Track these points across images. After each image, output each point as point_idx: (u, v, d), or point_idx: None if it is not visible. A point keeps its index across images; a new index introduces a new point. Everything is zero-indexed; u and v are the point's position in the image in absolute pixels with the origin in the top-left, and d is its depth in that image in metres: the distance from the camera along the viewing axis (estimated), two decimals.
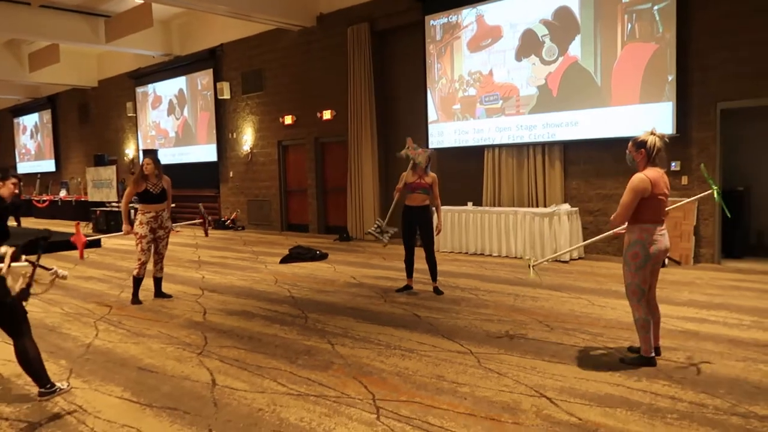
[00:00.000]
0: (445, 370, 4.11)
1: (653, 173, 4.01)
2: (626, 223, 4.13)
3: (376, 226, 7.03)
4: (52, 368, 4.43)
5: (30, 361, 3.73)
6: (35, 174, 23.22)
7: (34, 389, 3.92)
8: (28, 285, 3.48)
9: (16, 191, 4.02)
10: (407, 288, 6.76)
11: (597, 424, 3.20)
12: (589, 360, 4.24)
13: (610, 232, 4.85)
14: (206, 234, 7.81)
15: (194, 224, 8.34)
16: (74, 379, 4.19)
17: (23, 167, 24.51)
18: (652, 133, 4.06)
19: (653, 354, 4.06)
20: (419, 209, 6.51)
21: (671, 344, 4.48)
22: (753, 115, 8.40)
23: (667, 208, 4.16)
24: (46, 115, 22.76)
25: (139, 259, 6.51)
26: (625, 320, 5.13)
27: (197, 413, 3.53)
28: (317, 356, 4.53)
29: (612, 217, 4.15)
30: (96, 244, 12.31)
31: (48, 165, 22.86)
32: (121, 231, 6.76)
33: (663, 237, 4.04)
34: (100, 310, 6.37)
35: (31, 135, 24.06)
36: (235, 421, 3.39)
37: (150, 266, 6.61)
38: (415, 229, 6.56)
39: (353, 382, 3.96)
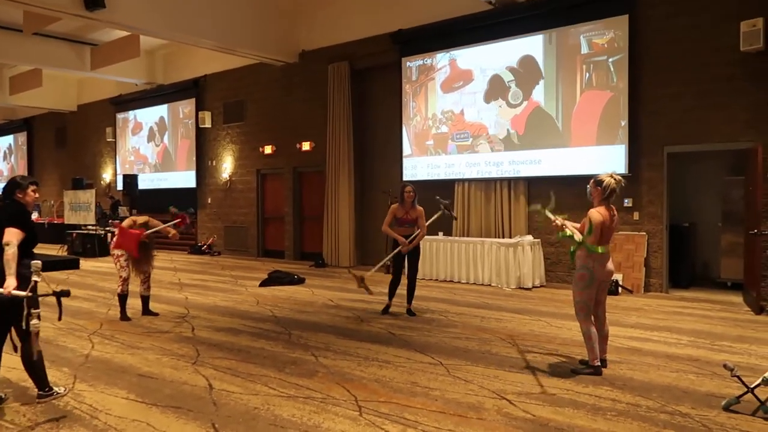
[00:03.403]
0: (418, 378, 4.63)
1: (604, 211, 4.69)
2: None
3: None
4: (56, 374, 4.81)
5: (33, 363, 4.12)
6: None
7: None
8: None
9: (37, 196, 4.42)
10: (387, 309, 7.24)
11: (548, 419, 3.76)
12: (544, 370, 4.81)
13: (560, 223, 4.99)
14: (183, 225, 7.54)
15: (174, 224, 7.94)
16: (79, 384, 4.58)
17: None
18: (611, 176, 4.75)
19: (599, 363, 4.67)
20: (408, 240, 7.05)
21: (616, 358, 5.10)
22: (696, 158, 9.29)
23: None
24: (22, 137, 22.83)
25: (121, 276, 6.90)
26: (578, 339, 5.72)
27: (199, 411, 3.97)
28: (302, 366, 5.01)
29: (587, 239, 4.68)
30: (75, 265, 12.54)
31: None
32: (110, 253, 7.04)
33: (607, 262, 4.70)
34: (92, 325, 6.71)
35: (5, 156, 24.02)
36: (235, 417, 3.84)
37: (136, 287, 7.01)
38: (405, 259, 7.10)
39: (337, 387, 4.44)
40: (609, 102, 8.94)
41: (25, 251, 3.99)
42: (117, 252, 6.91)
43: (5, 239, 3.88)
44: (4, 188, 4.26)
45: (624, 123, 8.81)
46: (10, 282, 3.79)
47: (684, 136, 8.49)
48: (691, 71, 8.35)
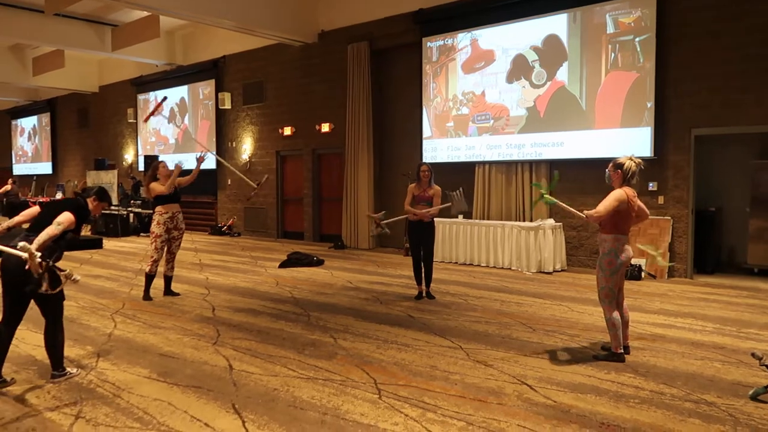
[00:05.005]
0: (437, 362, 4.61)
1: (629, 191, 4.59)
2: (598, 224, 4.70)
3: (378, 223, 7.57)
4: (79, 353, 4.89)
5: (56, 343, 4.19)
6: (31, 176, 23.49)
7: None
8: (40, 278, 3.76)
9: (100, 212, 4.63)
10: (421, 295, 7.14)
11: (569, 406, 3.71)
12: (565, 356, 4.76)
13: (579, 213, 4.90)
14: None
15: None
16: (102, 362, 4.64)
17: (20, 169, 24.78)
18: (630, 158, 4.64)
19: (622, 351, 4.59)
20: (423, 220, 6.99)
21: (639, 345, 5.02)
22: (725, 141, 9.04)
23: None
24: (45, 118, 23.09)
25: (152, 257, 6.95)
26: (600, 324, 5.65)
27: (220, 391, 3.99)
28: (322, 348, 5.01)
29: (592, 211, 4.53)
30: (98, 245, 12.72)
31: (45, 167, 23.14)
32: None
33: (629, 246, 4.63)
34: (114, 305, 6.80)
35: (29, 137, 24.35)
36: (255, 398, 3.86)
37: (161, 266, 7.06)
38: (420, 240, 7.04)
39: (356, 369, 4.44)
40: (635, 83, 8.72)
41: (64, 247, 4.07)
42: (156, 231, 6.91)
43: (59, 218, 3.99)
44: (88, 188, 4.47)
45: (650, 105, 8.59)
46: (35, 251, 3.75)
47: (712, 119, 8.26)
48: (721, 51, 8.09)
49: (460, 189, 7.38)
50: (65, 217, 4.03)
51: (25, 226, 4.34)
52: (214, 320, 6.03)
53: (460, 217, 10.42)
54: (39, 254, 3.71)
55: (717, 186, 9.38)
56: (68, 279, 3.81)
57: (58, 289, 3.86)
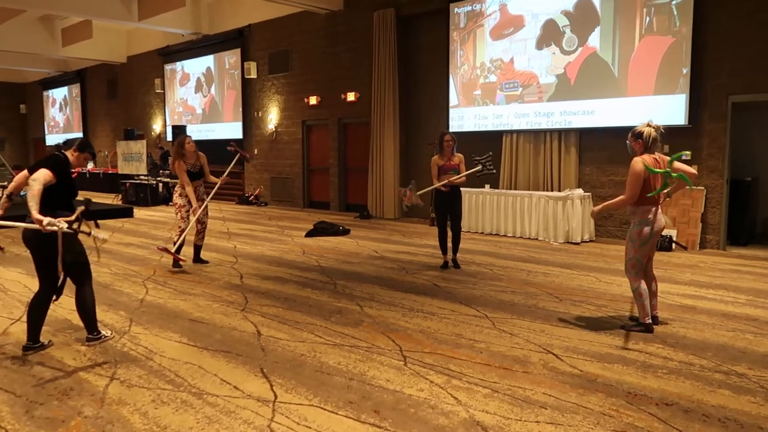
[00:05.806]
0: (463, 330, 4.62)
1: (649, 157, 4.49)
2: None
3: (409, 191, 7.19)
4: (113, 318, 5.03)
5: (86, 308, 4.29)
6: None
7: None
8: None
9: (83, 163, 4.59)
10: (446, 264, 7.14)
11: (596, 375, 3.69)
12: (592, 326, 4.73)
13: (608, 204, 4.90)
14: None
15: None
16: (135, 327, 4.77)
17: (52, 139, 25.25)
18: (648, 125, 4.55)
19: (650, 321, 4.54)
20: (450, 189, 6.94)
21: (669, 316, 4.95)
22: (764, 108, 8.71)
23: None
24: (75, 88, 23.42)
25: (180, 227, 7.06)
26: (628, 295, 5.57)
27: (248, 356, 4.07)
28: (348, 315, 5.06)
29: (624, 197, 4.59)
30: (129, 214, 12.98)
31: (76, 138, 23.54)
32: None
33: (660, 216, 4.57)
34: (146, 271, 6.95)
35: (60, 108, 24.77)
36: (282, 363, 3.93)
37: (191, 235, 7.17)
38: (447, 209, 7.01)
39: (382, 336, 4.48)
40: (670, 48, 8.42)
41: (61, 203, 4.09)
42: (179, 202, 7.03)
43: (33, 176, 3.94)
44: (69, 140, 4.44)
45: (686, 71, 8.30)
46: (37, 216, 3.80)
47: (751, 85, 7.95)
48: (762, 15, 7.74)
49: (489, 154, 7.20)
50: (39, 173, 3.96)
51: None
52: (243, 287, 6.13)
53: (487, 186, 10.32)
54: (65, 226, 3.81)
55: (755, 155, 9.09)
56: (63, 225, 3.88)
57: (75, 226, 3.95)
